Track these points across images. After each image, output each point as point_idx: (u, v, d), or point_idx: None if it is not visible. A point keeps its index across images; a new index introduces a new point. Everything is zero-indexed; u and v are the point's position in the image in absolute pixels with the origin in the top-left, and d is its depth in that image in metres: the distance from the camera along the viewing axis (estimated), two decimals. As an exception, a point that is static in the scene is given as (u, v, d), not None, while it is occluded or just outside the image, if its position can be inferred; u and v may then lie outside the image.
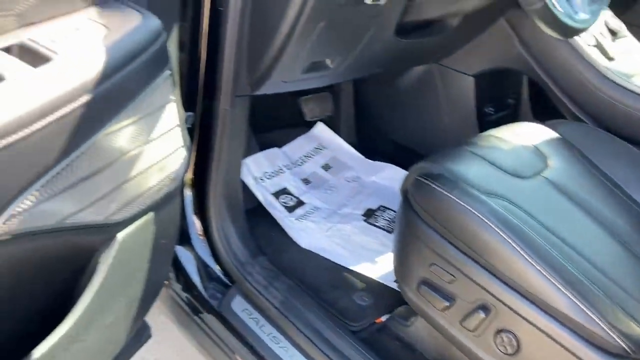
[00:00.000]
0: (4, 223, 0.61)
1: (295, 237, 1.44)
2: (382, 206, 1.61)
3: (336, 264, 1.39)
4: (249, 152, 1.60)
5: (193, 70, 1.18)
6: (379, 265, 1.39)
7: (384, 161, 1.76)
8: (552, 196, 1.14)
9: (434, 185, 1.07)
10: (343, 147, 1.80)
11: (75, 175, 0.69)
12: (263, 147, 1.68)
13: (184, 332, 1.39)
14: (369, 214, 1.57)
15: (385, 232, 1.51)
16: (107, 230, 0.84)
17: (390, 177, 1.71)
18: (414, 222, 1.11)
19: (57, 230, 0.72)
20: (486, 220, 1.00)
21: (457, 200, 1.03)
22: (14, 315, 0.82)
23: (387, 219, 1.56)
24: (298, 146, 1.76)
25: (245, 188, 1.50)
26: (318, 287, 1.32)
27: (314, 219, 1.52)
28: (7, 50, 0.65)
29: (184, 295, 1.35)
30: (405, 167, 1.73)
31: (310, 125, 1.81)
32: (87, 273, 0.87)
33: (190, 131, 1.25)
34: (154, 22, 0.76)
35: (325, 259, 1.40)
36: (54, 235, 0.73)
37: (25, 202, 0.63)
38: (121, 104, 0.73)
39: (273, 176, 1.62)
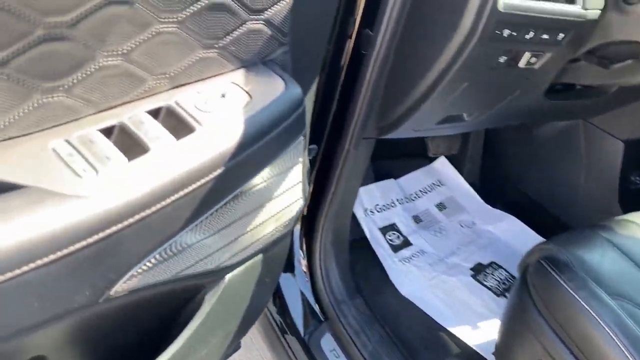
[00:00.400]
0: (124, 282, 0.62)
1: (396, 281, 1.39)
2: (494, 263, 1.51)
3: (434, 319, 1.33)
4: (363, 181, 1.57)
5: (324, 106, 1.16)
6: (479, 332, 1.31)
7: (505, 210, 1.65)
8: None
9: (558, 277, 0.97)
10: (463, 186, 1.71)
11: (195, 237, 0.69)
12: (378, 175, 1.64)
13: (269, 350, 1.40)
14: (479, 270, 1.48)
15: (492, 293, 1.42)
16: (216, 274, 0.84)
17: (509, 230, 1.60)
18: (527, 309, 1.02)
19: (170, 282, 0.73)
20: (611, 334, 0.89)
21: (581, 302, 0.93)
22: (117, 341, 0.85)
23: (498, 279, 1.46)
24: (415, 179, 1.69)
25: (352, 217, 1.48)
26: (411, 343, 1.26)
27: (419, 263, 1.46)
28: (156, 112, 0.66)
29: (278, 318, 1.36)
30: (528, 222, 1.62)
31: (431, 159, 1.74)
32: (189, 306, 0.89)
33: (311, 162, 1.23)
34: (296, 92, 0.74)
35: (423, 311, 1.34)
36: (166, 283, 0.75)
37: (146, 265, 0.64)
38: (253, 172, 0.72)
39: (384, 210, 1.57)
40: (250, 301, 1.01)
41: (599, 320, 0.91)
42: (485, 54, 0.97)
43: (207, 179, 0.64)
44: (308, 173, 1.20)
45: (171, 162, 0.61)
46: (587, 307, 0.92)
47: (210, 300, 0.86)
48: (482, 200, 1.68)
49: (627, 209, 1.23)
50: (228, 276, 0.88)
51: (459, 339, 1.30)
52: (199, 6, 0.64)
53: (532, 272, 1.03)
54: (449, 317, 1.33)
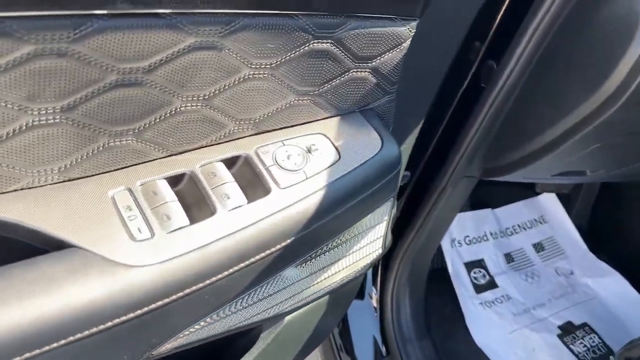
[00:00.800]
0: (168, 343, 0.57)
1: (472, 327, 1.28)
2: (587, 325, 1.35)
3: (506, 380, 1.21)
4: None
5: (428, 132, 1.05)
6: (555, 405, 1.18)
7: (611, 264, 1.47)
8: None
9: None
10: (567, 227, 1.54)
11: (252, 299, 0.63)
12: (474, 202, 1.50)
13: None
14: (568, 330, 1.33)
15: (579, 362, 1.27)
16: (275, 318, 0.79)
17: (611, 288, 1.42)
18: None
19: (221, 334, 0.68)
20: None
21: None
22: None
23: (588, 345, 1.31)
24: (514, 212, 1.54)
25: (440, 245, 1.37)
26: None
27: (502, 310, 1.33)
28: (233, 161, 0.59)
29: (339, 341, 1.29)
30: (636, 284, 1.43)
31: (537, 192, 1.57)
32: (241, 341, 0.84)
33: (402, 188, 1.13)
34: (392, 153, 0.64)
35: (496, 368, 1.22)
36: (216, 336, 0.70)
37: (194, 327, 0.58)
38: (327, 238, 0.64)
39: (473, 242, 1.44)
40: (309, 339, 0.94)
41: None
42: (628, 119, 0.82)
43: (274, 249, 0.57)
44: (396, 201, 1.11)
45: (237, 232, 0.54)
46: None
47: (265, 339, 0.80)
48: (586, 248, 1.50)
49: None
50: (288, 318, 0.82)
51: (531, 408, 1.17)
52: (298, 53, 0.56)
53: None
54: (523, 380, 1.21)
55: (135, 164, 0.55)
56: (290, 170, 0.59)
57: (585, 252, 1.50)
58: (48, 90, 0.45)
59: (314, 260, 0.66)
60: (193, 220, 0.53)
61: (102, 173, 0.53)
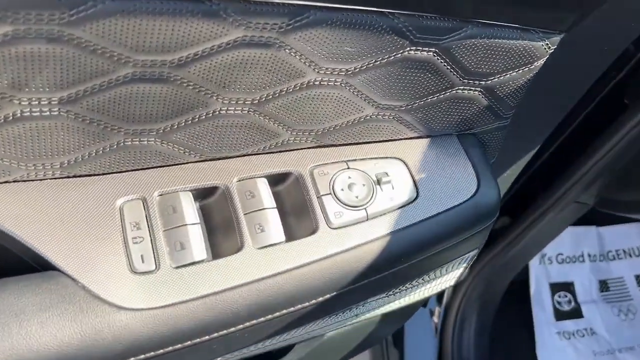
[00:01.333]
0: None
1: (542, 358, 1.13)
2: (680, 387, 1.16)
3: None
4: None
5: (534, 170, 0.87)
6: None
7: None
8: None
9: None
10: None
11: (283, 338, 0.52)
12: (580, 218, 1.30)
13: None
14: (655, 387, 1.15)
15: None
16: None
17: None
18: None
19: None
20: None
21: None
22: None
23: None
24: (622, 234, 1.32)
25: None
26: None
27: (581, 346, 1.16)
28: (280, 178, 0.47)
29: (391, 350, 1.18)
30: None
31: (658, 218, 1.34)
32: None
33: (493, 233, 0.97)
34: (491, 199, 0.49)
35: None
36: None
37: None
38: (386, 289, 0.52)
39: (566, 262, 1.26)
40: (353, 350, 0.84)
41: None
42: None
43: (307, 304, 0.45)
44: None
45: (263, 279, 0.42)
46: None
47: (299, 351, 0.71)
48: (702, 294, 1.28)
49: None
50: (329, 335, 0.71)
51: None
52: (386, 61, 0.41)
53: None
54: None
55: (159, 166, 0.44)
56: (348, 206, 0.46)
57: (699, 299, 1.28)
58: (39, 79, 0.34)
59: (385, 298, 0.54)
60: (212, 253, 0.42)
61: (115, 173, 0.43)
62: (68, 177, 0.42)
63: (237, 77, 0.38)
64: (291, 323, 0.47)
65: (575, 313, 1.21)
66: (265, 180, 0.46)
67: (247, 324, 0.43)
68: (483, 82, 0.45)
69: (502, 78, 0.45)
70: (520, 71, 0.45)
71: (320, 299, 0.45)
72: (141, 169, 0.44)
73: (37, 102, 0.35)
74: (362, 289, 0.47)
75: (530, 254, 1.01)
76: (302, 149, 0.47)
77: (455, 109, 0.48)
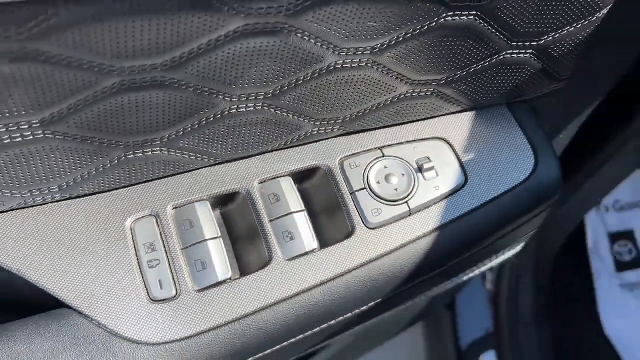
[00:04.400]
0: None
1: (604, 313, 1.06)
2: None
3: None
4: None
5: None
6: None
7: None
8: None
9: None
10: None
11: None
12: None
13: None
14: None
15: None
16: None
17: None
18: None
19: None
20: None
21: None
22: None
23: None
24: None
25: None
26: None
27: (646, 296, 1.10)
28: (307, 174, 0.41)
29: (444, 312, 1.14)
30: None
31: None
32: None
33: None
34: (551, 173, 0.42)
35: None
36: None
37: None
38: (452, 276, 0.46)
39: (625, 209, 1.17)
40: (401, 329, 0.80)
41: None
42: None
43: (349, 315, 0.40)
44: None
45: (298, 294, 0.37)
46: None
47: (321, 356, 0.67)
48: None
49: None
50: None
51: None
52: (418, 32, 0.34)
53: None
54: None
55: (170, 175, 0.39)
56: (387, 201, 0.40)
57: None
58: (12, 103, 0.29)
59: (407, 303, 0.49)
60: (239, 270, 0.38)
61: (122, 188, 0.38)
62: (70, 198, 0.37)
63: (243, 71, 0.33)
64: (330, 335, 0.42)
65: (638, 263, 1.14)
66: (289, 179, 0.40)
67: (285, 343, 0.39)
68: (535, 43, 0.38)
69: (557, 35, 0.38)
70: (580, 25, 0.38)
71: (364, 307, 0.40)
72: (150, 181, 0.39)
73: (15, 127, 0.31)
74: (408, 291, 0.42)
75: (589, 204, 0.93)
76: (328, 138, 0.42)
77: (504, 76, 0.41)
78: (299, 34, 0.32)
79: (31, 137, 0.31)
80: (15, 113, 0.30)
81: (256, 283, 0.37)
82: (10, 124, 0.30)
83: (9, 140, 0.31)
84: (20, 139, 0.31)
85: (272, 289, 0.37)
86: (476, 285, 1.04)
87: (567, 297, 1.08)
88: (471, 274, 0.53)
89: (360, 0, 0.31)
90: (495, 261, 0.55)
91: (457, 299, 1.08)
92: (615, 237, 1.15)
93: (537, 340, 1.01)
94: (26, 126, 0.31)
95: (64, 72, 0.28)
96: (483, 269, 0.56)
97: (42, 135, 0.32)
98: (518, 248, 0.56)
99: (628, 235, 1.16)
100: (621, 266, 1.13)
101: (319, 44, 0.33)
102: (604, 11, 0.38)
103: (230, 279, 0.37)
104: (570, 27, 0.38)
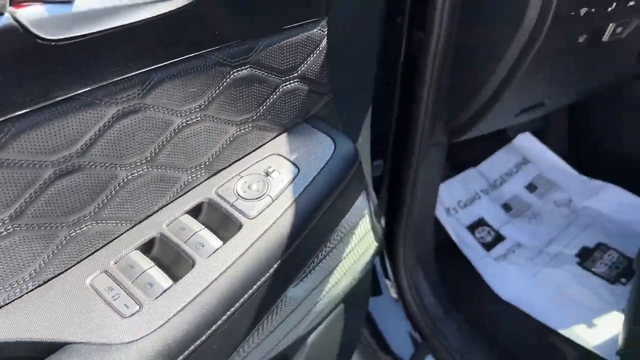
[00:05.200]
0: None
1: (493, 285, 1.28)
2: (601, 244, 1.35)
3: (544, 324, 1.21)
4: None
5: (384, 116, 1.06)
6: (597, 330, 1.17)
7: (604, 180, 1.48)
8: None
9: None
10: (551, 159, 1.55)
11: (269, 327, 0.63)
12: (455, 167, 1.51)
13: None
14: (585, 256, 1.33)
15: (606, 282, 1.27)
16: (296, 344, 0.78)
17: (612, 201, 1.43)
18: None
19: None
20: None
21: None
22: None
23: (608, 263, 1.31)
24: (497, 162, 1.54)
25: (435, 220, 1.37)
26: (522, 356, 1.15)
27: (517, 259, 1.33)
28: (198, 210, 0.59)
29: (372, 340, 1.29)
30: (632, 189, 1.44)
31: (512, 137, 1.58)
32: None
33: (380, 179, 1.14)
34: (347, 148, 0.64)
35: (532, 316, 1.22)
36: None
37: None
38: (315, 247, 0.64)
39: (468, 204, 1.45)
40: (340, 353, 0.94)
41: None
42: (559, 39, 0.83)
43: (265, 277, 0.57)
44: (376, 187, 1.11)
45: (222, 274, 0.54)
46: None
47: None
48: (576, 172, 1.51)
49: None
50: (310, 339, 0.81)
51: (575, 343, 1.17)
52: (222, 87, 0.56)
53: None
54: (560, 318, 1.20)
55: (104, 245, 0.55)
56: (255, 199, 0.59)
57: (576, 177, 1.51)
58: (-9, 205, 0.45)
59: (310, 275, 0.66)
60: (176, 278, 0.53)
61: (74, 265, 0.53)
62: (40, 285, 0.51)
63: (127, 144, 0.51)
64: (262, 302, 0.58)
65: (498, 238, 1.39)
66: (187, 216, 0.58)
67: (228, 313, 0.54)
68: (296, 74, 0.62)
69: (305, 65, 0.62)
70: (315, 55, 0.62)
71: (270, 271, 0.57)
72: (92, 254, 0.54)
73: (-4, 226, 0.46)
74: (295, 254, 0.60)
75: (431, 205, 1.17)
76: (201, 182, 0.60)
77: (290, 102, 0.63)
78: (151, 108, 0.52)
79: (4, 232, 0.46)
80: (-6, 213, 0.45)
81: (190, 280, 0.53)
82: (-9, 225, 0.45)
83: (-8, 238, 0.46)
84: (-2, 235, 0.46)
85: (203, 277, 0.53)
86: (387, 304, 1.21)
87: (460, 286, 1.28)
88: (333, 261, 0.70)
89: (179, 77, 0.52)
90: (348, 252, 0.74)
91: (378, 324, 1.23)
92: (472, 227, 1.41)
93: (456, 327, 1.19)
94: (1, 224, 0.46)
95: (19, 172, 0.45)
96: (343, 263, 0.74)
97: (11, 229, 0.47)
98: (359, 235, 0.75)
99: (481, 222, 1.43)
100: (488, 246, 1.38)
101: (165, 112, 0.53)
102: (324, 41, 0.62)
103: (172, 285, 0.52)
104: (311, 58, 0.62)
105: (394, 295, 1.19)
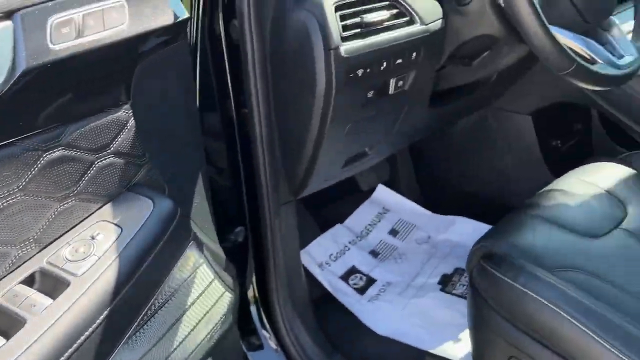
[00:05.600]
0: None
1: (370, 324, 1.38)
2: (458, 269, 1.51)
3: (417, 348, 1.32)
4: (308, 236, 1.57)
5: (234, 186, 1.18)
6: (460, 345, 1.30)
7: (455, 214, 1.67)
8: (635, 253, 1.02)
9: (498, 273, 0.98)
10: (406, 205, 1.73)
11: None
12: (323, 225, 1.65)
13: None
14: (446, 282, 1.48)
15: (464, 300, 1.42)
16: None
17: (462, 232, 1.61)
18: (484, 311, 1.02)
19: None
20: (558, 310, 0.90)
21: (522, 288, 0.94)
22: None
23: (465, 283, 1.46)
24: (360, 215, 1.70)
25: (310, 276, 1.48)
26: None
27: (388, 297, 1.46)
28: (32, 279, 0.66)
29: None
30: (477, 217, 1.64)
31: (369, 193, 1.76)
32: None
33: (245, 245, 1.24)
34: (164, 205, 0.75)
35: (407, 344, 1.33)
36: None
37: None
38: (149, 293, 0.73)
39: (339, 257, 1.58)
40: None
41: (544, 301, 0.91)
42: (351, 96, 1.00)
43: (93, 327, 0.65)
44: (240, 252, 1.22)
45: (51, 327, 0.61)
46: (529, 292, 0.93)
47: None
48: (429, 212, 1.70)
49: (560, 174, 1.25)
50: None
51: (446, 359, 1.29)
52: (37, 169, 0.66)
53: (476, 275, 1.04)
54: (429, 340, 1.32)
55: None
56: (82, 260, 0.68)
57: (430, 216, 1.70)
58: None
59: (150, 323, 0.74)
60: (9, 337, 0.60)
61: None
62: None
63: None
64: (99, 346, 0.65)
65: (370, 281, 1.52)
66: (20, 285, 0.65)
67: (82, 338, 0.61)
68: (109, 150, 0.73)
69: (118, 142, 0.73)
70: (124, 133, 0.74)
71: (100, 317, 0.65)
72: None
73: None
74: (125, 302, 0.68)
75: (296, 258, 1.27)
76: (33, 256, 0.68)
77: (109, 175, 0.74)
78: None
79: None
80: None
81: (21, 337, 0.60)
82: None
83: None
84: None
85: (34, 333, 0.60)
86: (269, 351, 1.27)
87: (339, 330, 1.38)
88: (169, 303, 0.79)
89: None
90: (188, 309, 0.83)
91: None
92: (345, 276, 1.54)
93: (340, 367, 1.27)
94: None
95: None
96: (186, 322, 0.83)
97: None
98: (218, 288, 0.85)
99: (353, 270, 1.56)
100: (361, 290, 1.50)
101: None
102: (132, 121, 0.74)
103: (3, 344, 0.59)
104: (120, 135, 0.74)
105: (274, 346, 1.26)
